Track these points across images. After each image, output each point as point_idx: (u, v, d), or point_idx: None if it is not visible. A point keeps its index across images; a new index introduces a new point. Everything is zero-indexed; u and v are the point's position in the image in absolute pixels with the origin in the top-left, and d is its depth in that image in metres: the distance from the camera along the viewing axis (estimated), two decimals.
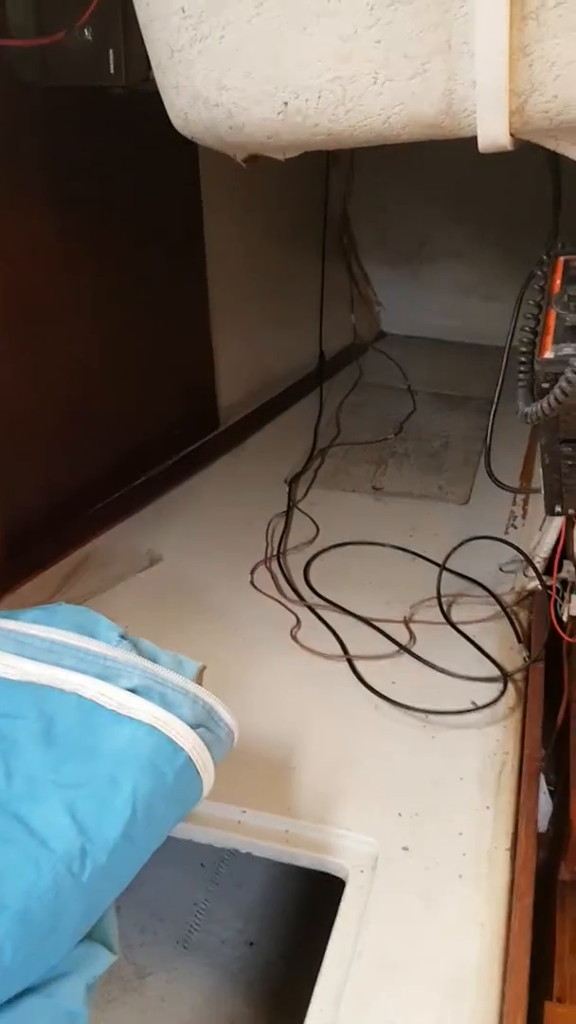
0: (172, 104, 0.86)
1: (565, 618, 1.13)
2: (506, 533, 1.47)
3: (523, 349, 0.79)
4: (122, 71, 1.07)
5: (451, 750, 1.05)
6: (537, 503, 1.51)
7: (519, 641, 1.23)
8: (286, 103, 0.77)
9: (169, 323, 1.65)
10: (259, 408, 1.96)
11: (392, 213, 2.36)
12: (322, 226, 2.10)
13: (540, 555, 1.29)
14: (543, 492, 0.88)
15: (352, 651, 1.22)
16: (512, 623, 1.26)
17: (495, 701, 1.12)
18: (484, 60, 0.69)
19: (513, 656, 1.20)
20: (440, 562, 1.37)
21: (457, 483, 1.70)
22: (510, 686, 1.14)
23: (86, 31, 1.05)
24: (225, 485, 1.69)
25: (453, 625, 1.27)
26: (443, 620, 1.28)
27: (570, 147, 0.76)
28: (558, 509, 0.89)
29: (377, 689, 1.15)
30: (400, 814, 0.97)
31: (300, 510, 1.59)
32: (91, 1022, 0.68)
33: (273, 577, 1.40)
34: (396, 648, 1.23)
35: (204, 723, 0.80)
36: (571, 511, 0.88)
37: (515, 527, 1.50)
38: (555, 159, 0.84)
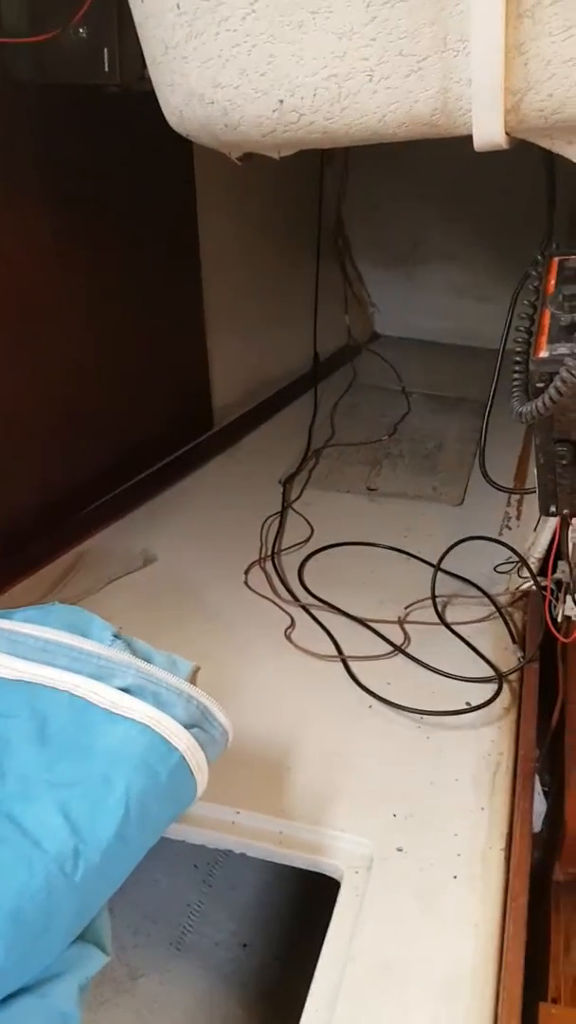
0: (167, 102, 0.86)
1: (560, 618, 1.13)
2: (500, 534, 1.47)
3: (518, 349, 0.79)
4: (116, 69, 1.06)
5: (446, 751, 1.05)
6: (531, 504, 1.51)
7: (513, 642, 1.23)
8: (281, 101, 0.76)
9: (164, 323, 1.65)
10: (254, 409, 1.96)
11: (386, 213, 2.36)
12: (317, 226, 2.10)
13: (535, 556, 1.29)
14: (538, 492, 0.88)
15: (346, 651, 1.22)
16: (506, 624, 1.26)
17: (490, 702, 1.11)
18: (480, 58, 0.69)
19: (508, 657, 1.20)
20: (434, 563, 1.37)
21: (451, 484, 1.70)
22: (505, 687, 1.14)
23: (80, 29, 1.05)
24: (219, 485, 1.68)
25: (447, 626, 1.27)
26: (438, 621, 1.28)
27: (565, 146, 0.76)
28: (553, 509, 0.89)
29: (371, 689, 1.14)
30: (395, 815, 0.97)
31: (294, 510, 1.58)
32: (83, 1023, 0.68)
33: (267, 577, 1.39)
34: (391, 648, 1.23)
35: (198, 723, 0.80)
36: (566, 511, 0.88)
37: (509, 528, 1.50)
38: (550, 158, 0.84)
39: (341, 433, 1.90)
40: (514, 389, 0.79)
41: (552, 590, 1.16)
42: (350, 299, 2.40)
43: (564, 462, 0.82)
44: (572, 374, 0.69)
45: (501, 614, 1.28)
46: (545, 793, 1.05)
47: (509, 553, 1.38)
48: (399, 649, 1.22)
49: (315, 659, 1.22)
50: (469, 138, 0.74)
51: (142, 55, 0.89)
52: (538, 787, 1.04)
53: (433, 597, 1.31)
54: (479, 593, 1.33)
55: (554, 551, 1.17)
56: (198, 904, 1.11)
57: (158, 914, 1.10)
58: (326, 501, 1.63)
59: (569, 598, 1.12)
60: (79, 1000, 0.68)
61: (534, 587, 1.29)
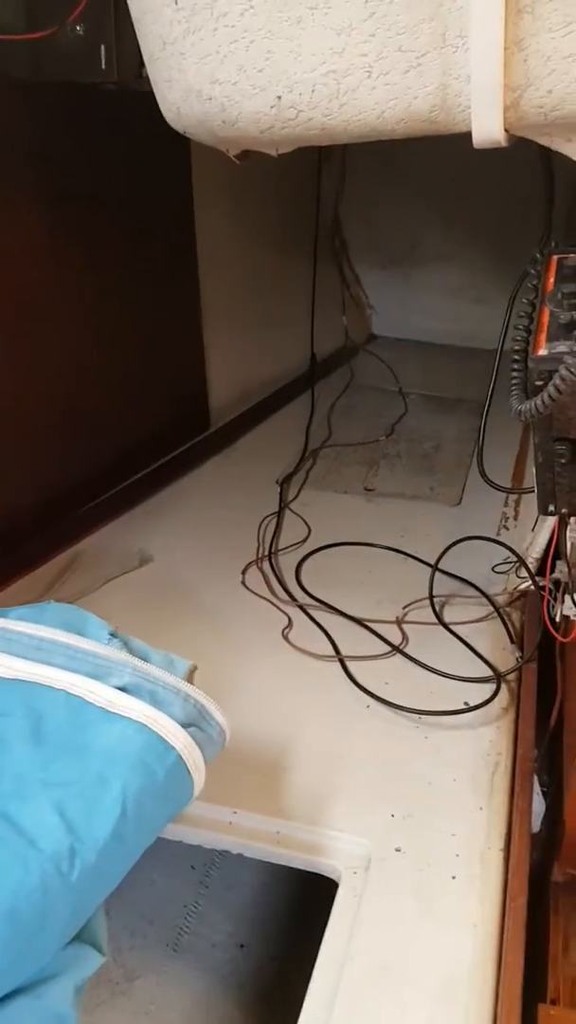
0: (164, 98, 0.85)
1: (558, 618, 1.13)
2: (498, 535, 1.47)
3: (516, 347, 0.79)
4: (114, 67, 1.06)
5: (444, 751, 1.05)
6: (528, 505, 1.51)
7: (512, 642, 1.23)
8: (279, 97, 0.76)
9: (161, 322, 1.65)
10: (250, 409, 1.96)
11: (383, 214, 2.37)
12: (314, 227, 2.10)
13: (533, 555, 1.29)
14: (536, 491, 0.87)
15: (344, 651, 1.22)
16: (505, 624, 1.26)
17: (488, 701, 1.11)
18: (479, 54, 0.68)
19: (506, 656, 1.20)
20: (432, 563, 1.36)
21: (449, 485, 1.70)
22: (503, 686, 1.14)
23: (77, 27, 1.05)
24: (216, 485, 1.68)
25: (445, 626, 1.26)
26: (435, 621, 1.28)
27: (564, 143, 0.76)
28: (551, 508, 0.88)
29: (369, 689, 1.14)
30: (393, 815, 0.96)
31: (292, 511, 1.58)
32: None
33: (264, 577, 1.39)
34: (388, 648, 1.22)
35: (195, 722, 0.79)
36: (564, 510, 0.88)
37: (507, 528, 1.50)
38: (548, 156, 0.84)
39: (338, 434, 1.90)
40: (513, 387, 0.78)
41: (550, 590, 1.15)
42: (347, 300, 2.40)
43: (563, 461, 0.81)
44: (571, 372, 0.69)
45: (499, 614, 1.28)
46: (544, 793, 1.05)
47: (507, 553, 1.38)
48: (397, 649, 1.22)
49: (313, 659, 1.21)
50: (468, 136, 0.74)
51: (139, 52, 0.88)
52: (537, 787, 1.03)
53: (431, 597, 1.31)
54: (477, 593, 1.33)
55: (552, 551, 1.17)
56: (195, 905, 1.11)
57: (155, 915, 1.09)
58: (323, 501, 1.63)
59: (568, 598, 1.12)
60: (75, 1001, 0.67)
61: (532, 587, 1.28)
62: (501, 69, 0.68)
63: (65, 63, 1.08)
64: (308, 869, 0.93)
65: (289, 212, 2.10)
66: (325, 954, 0.82)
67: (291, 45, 0.74)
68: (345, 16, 0.71)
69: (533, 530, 1.32)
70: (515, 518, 1.53)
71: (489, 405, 1.03)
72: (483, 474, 1.09)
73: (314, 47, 0.73)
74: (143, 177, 1.51)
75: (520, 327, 0.80)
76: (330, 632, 1.25)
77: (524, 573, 1.30)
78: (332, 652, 1.22)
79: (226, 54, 0.77)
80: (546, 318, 0.76)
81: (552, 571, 1.17)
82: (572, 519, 0.97)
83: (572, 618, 1.11)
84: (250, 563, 1.42)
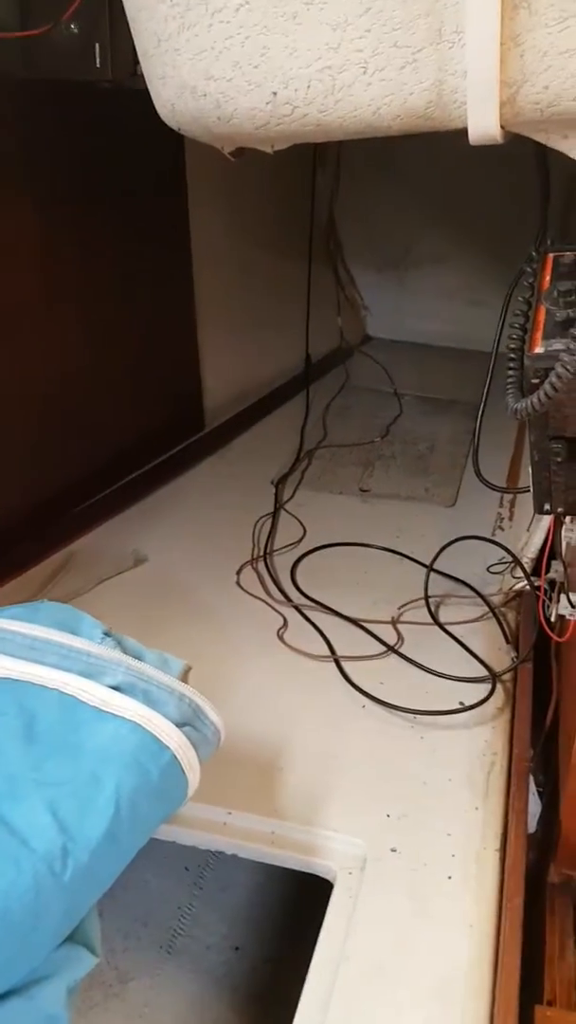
0: (159, 95, 0.85)
1: (553, 618, 1.12)
2: (492, 535, 1.47)
3: (512, 345, 0.78)
4: (108, 65, 1.06)
5: (440, 751, 1.05)
6: (523, 506, 1.51)
7: (507, 641, 1.23)
8: (275, 93, 0.76)
9: (154, 322, 1.64)
10: (245, 410, 1.95)
11: (379, 216, 2.37)
12: (309, 227, 2.09)
13: (528, 555, 1.29)
14: (532, 490, 0.87)
15: (339, 652, 1.21)
16: (500, 624, 1.26)
17: (483, 701, 1.11)
18: (475, 50, 0.68)
19: (501, 656, 1.20)
20: (427, 563, 1.36)
21: (443, 485, 1.70)
22: (498, 686, 1.13)
23: (72, 24, 1.05)
24: (211, 486, 1.68)
25: (441, 626, 1.26)
26: (431, 621, 1.27)
27: (560, 140, 0.76)
28: (547, 507, 0.88)
29: (365, 689, 1.14)
30: (388, 815, 0.96)
31: (287, 511, 1.58)
32: None
33: (260, 578, 1.39)
34: (384, 649, 1.22)
35: (190, 721, 0.79)
36: (560, 509, 0.88)
37: (501, 529, 1.50)
38: (543, 153, 0.83)
39: (333, 434, 1.90)
40: (509, 385, 0.78)
41: (546, 590, 1.15)
42: (342, 301, 2.40)
43: (559, 459, 0.81)
44: (567, 369, 0.69)
45: (494, 614, 1.28)
46: (540, 793, 1.04)
47: (501, 553, 1.38)
48: (392, 649, 1.22)
49: (308, 659, 1.21)
50: (464, 132, 0.74)
51: (134, 50, 0.88)
52: (532, 788, 1.03)
53: (426, 597, 1.31)
54: (472, 593, 1.33)
55: (547, 550, 1.17)
56: (189, 906, 1.10)
57: (148, 917, 1.08)
58: (318, 502, 1.63)
59: (563, 597, 1.12)
60: (67, 1003, 0.66)
61: (528, 587, 1.28)
62: (497, 65, 0.68)
63: (59, 61, 1.08)
64: (303, 870, 0.92)
65: (284, 212, 2.10)
66: (320, 955, 0.82)
67: (286, 41, 0.73)
68: (341, 12, 0.71)
69: (528, 530, 1.32)
70: (510, 519, 1.53)
71: (484, 406, 1.03)
72: (478, 473, 1.09)
73: (310, 43, 0.73)
74: (137, 176, 1.51)
75: (516, 325, 0.79)
76: (325, 632, 1.25)
77: (519, 573, 1.30)
78: (327, 652, 1.22)
79: (221, 50, 0.76)
80: (542, 316, 0.76)
81: (547, 571, 1.16)
82: (568, 518, 0.97)
83: (568, 618, 1.11)
84: (245, 563, 1.41)
